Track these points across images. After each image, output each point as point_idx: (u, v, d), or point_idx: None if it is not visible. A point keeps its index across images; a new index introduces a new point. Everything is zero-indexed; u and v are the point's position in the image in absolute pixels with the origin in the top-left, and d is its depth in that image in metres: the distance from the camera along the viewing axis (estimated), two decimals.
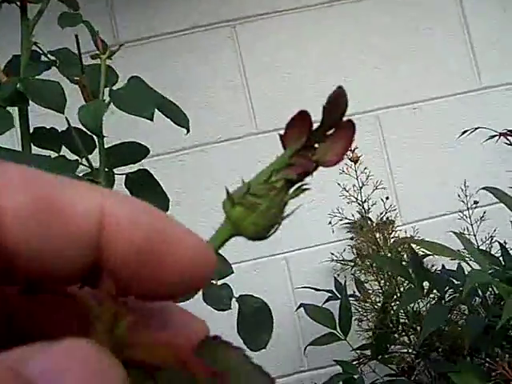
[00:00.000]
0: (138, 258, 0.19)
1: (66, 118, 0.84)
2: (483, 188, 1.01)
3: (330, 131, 0.27)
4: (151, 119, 0.80)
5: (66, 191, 0.19)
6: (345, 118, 0.26)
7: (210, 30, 1.56)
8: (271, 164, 0.27)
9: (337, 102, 0.26)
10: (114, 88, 0.86)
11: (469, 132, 1.15)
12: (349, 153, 1.22)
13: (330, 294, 1.28)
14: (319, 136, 0.26)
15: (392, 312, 1.13)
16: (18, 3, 0.90)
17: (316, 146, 0.27)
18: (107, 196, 0.19)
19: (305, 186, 0.27)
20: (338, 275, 1.34)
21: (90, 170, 0.88)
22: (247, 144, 1.52)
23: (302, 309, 1.24)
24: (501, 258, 1.13)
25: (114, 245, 0.19)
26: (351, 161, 1.22)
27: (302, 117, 0.26)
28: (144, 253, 0.19)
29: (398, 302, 1.13)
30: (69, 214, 0.18)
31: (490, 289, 1.14)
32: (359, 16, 1.58)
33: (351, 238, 1.35)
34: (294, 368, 1.45)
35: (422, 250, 1.14)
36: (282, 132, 0.27)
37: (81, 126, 0.82)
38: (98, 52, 0.87)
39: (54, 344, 0.16)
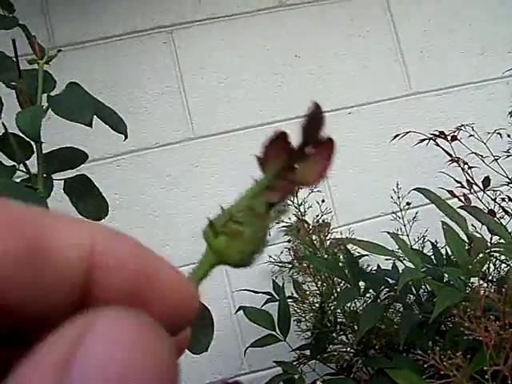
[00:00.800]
0: (126, 301, 0.19)
1: (3, 123, 0.83)
2: (415, 189, 1.05)
3: (309, 149, 0.25)
4: (90, 125, 0.80)
5: (55, 230, 0.18)
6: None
7: (146, 36, 1.56)
8: (251, 188, 0.26)
9: (314, 118, 0.25)
10: (52, 94, 0.85)
11: (400, 136, 1.19)
12: None
13: (268, 297, 1.29)
14: (298, 155, 0.25)
15: (330, 312, 1.16)
16: None
17: (295, 166, 0.25)
18: (97, 233, 0.19)
19: (285, 207, 0.26)
20: (276, 277, 1.36)
21: (27, 176, 0.87)
22: (184, 149, 1.52)
23: (240, 311, 1.25)
24: (432, 257, 1.17)
25: (102, 286, 0.19)
26: None
27: (279, 137, 0.25)
28: (131, 295, 0.19)
29: (335, 302, 1.15)
30: (58, 257, 0.18)
31: (424, 287, 1.18)
32: (292, 22, 1.61)
33: (288, 241, 1.37)
34: (235, 371, 1.46)
35: (357, 250, 1.17)
36: (259, 154, 0.25)
37: (17, 132, 0.81)
38: (35, 57, 0.86)
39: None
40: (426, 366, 0.73)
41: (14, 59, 0.90)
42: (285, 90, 1.58)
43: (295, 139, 0.25)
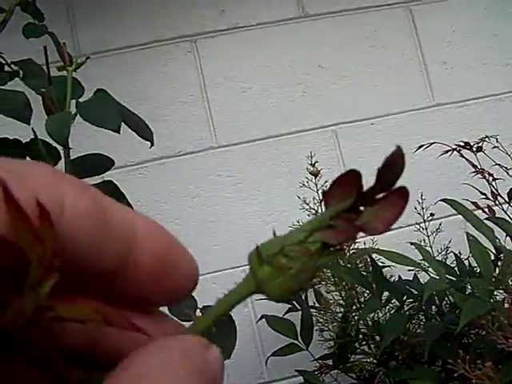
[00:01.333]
0: (156, 267, 0.23)
1: (33, 129, 0.84)
2: (442, 200, 1.04)
3: (380, 195, 0.24)
4: (118, 132, 0.81)
5: (112, 203, 0.22)
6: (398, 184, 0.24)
7: (170, 45, 1.57)
8: (309, 222, 0.24)
9: (394, 164, 0.24)
10: (80, 100, 0.86)
11: (425, 147, 1.19)
12: (309, 166, 1.25)
13: (289, 306, 1.29)
14: (367, 199, 0.24)
15: (353, 322, 1.15)
16: None
17: (361, 209, 0.24)
18: (137, 215, 0.23)
19: (340, 251, 0.25)
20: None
21: None
22: (206, 158, 1.53)
23: (261, 321, 1.25)
24: (456, 268, 1.16)
25: (139, 254, 0.23)
26: (311, 174, 1.25)
27: (351, 176, 0.24)
28: (161, 261, 0.23)
29: (358, 312, 1.15)
30: (115, 223, 0.22)
31: (446, 298, 1.18)
32: (316, 33, 1.62)
33: None
34: (255, 380, 1.46)
35: (380, 260, 1.17)
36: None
37: (44, 137, 0.82)
38: (64, 64, 0.87)
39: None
40: (455, 375, 0.73)
41: (44, 66, 0.92)
42: (308, 100, 1.58)
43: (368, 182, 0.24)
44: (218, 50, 1.58)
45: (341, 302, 1.23)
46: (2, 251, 0.18)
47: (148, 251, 0.23)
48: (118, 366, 0.20)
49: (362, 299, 1.18)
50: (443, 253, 1.30)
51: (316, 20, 1.63)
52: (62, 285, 0.19)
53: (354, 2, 1.65)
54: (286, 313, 1.27)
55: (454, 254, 1.22)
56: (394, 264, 1.25)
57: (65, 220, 0.20)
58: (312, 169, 1.24)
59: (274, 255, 0.24)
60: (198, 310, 0.90)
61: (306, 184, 1.25)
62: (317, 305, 1.29)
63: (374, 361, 1.16)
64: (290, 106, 1.57)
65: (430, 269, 1.00)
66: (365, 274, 1.14)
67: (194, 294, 0.77)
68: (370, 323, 1.16)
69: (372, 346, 1.17)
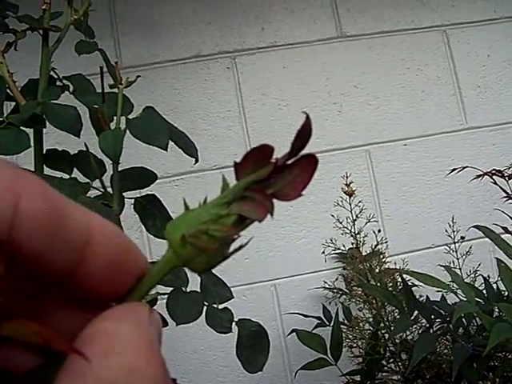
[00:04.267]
0: (108, 268, 0.25)
1: (85, 143, 0.88)
2: (474, 226, 1.07)
3: (289, 162, 0.25)
4: (165, 149, 0.85)
5: (69, 205, 0.23)
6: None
7: (210, 60, 1.61)
8: (224, 195, 0.25)
9: (304, 132, 0.24)
10: (130, 117, 0.90)
11: (457, 170, 1.21)
12: (344, 186, 1.27)
13: (318, 321, 1.31)
14: (278, 169, 0.25)
15: (383, 340, 1.17)
16: (41, 31, 0.94)
17: (273, 179, 0.25)
18: (93, 215, 0.25)
19: (254, 221, 0.25)
20: (330, 303, 1.38)
21: (100, 193, 0.92)
22: None
23: (288, 335, 1.28)
24: (484, 291, 1.18)
25: (94, 254, 0.24)
26: (346, 194, 1.27)
27: (264, 149, 0.25)
28: (113, 265, 0.25)
29: (388, 330, 1.17)
30: (69, 225, 0.23)
31: (473, 321, 1.19)
32: (352, 54, 1.65)
33: (344, 268, 1.40)
34: None
35: (410, 281, 1.19)
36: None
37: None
38: (115, 82, 0.92)
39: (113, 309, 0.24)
40: None
41: (95, 82, 0.96)
42: (342, 119, 1.61)
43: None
44: (257, 67, 1.62)
45: (370, 319, 1.25)
46: None
47: (101, 256, 0.24)
48: (81, 339, 0.22)
49: (391, 317, 1.20)
50: (472, 275, 1.31)
51: (353, 41, 1.66)
52: (21, 285, 0.22)
53: (391, 24, 1.68)
54: (315, 328, 1.29)
55: (483, 277, 1.24)
56: (422, 284, 1.28)
57: (18, 223, 0.21)
58: (347, 189, 1.26)
59: (195, 235, 0.24)
60: (234, 323, 0.93)
61: (340, 203, 1.27)
62: (345, 321, 1.31)
63: (402, 379, 1.18)
64: (324, 125, 1.60)
65: (458, 291, 1.02)
66: (394, 293, 1.16)
67: (227, 305, 0.80)
68: (398, 342, 1.18)
69: (399, 364, 1.19)
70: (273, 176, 0.25)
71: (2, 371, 0.22)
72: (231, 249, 0.26)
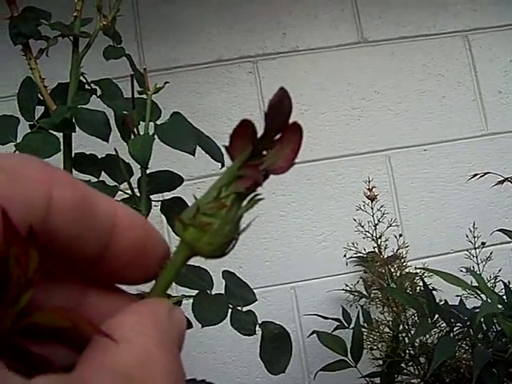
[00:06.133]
0: (134, 251, 0.26)
1: (115, 148, 0.90)
2: (499, 230, 1.07)
3: (277, 137, 0.26)
4: (193, 154, 0.87)
5: (97, 195, 0.25)
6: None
7: (232, 65, 1.63)
8: (220, 179, 0.26)
9: (280, 104, 0.26)
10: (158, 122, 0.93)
11: (478, 176, 1.22)
12: (366, 191, 1.28)
13: (337, 323, 1.33)
14: (265, 143, 0.26)
15: (403, 343, 1.19)
16: (71, 38, 0.96)
17: (264, 154, 0.26)
18: (117, 203, 0.26)
19: (258, 197, 0.27)
20: (350, 306, 1.39)
21: (127, 196, 0.94)
22: None
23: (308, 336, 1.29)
24: (504, 297, 1.19)
25: (118, 240, 0.26)
26: (368, 198, 1.29)
27: (245, 126, 0.26)
28: (138, 247, 0.26)
29: (408, 333, 1.18)
30: (98, 213, 0.25)
31: (493, 326, 1.20)
32: (373, 59, 1.66)
33: (364, 272, 1.41)
34: None
35: (431, 285, 1.20)
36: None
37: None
38: (143, 88, 0.94)
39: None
40: None
41: (122, 89, 0.98)
42: (363, 124, 1.62)
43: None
44: (278, 71, 1.64)
45: (390, 322, 1.26)
46: None
47: (127, 238, 0.26)
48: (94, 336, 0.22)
49: (411, 321, 1.21)
50: (492, 281, 1.32)
51: (374, 46, 1.67)
52: (51, 268, 0.23)
53: (412, 29, 1.68)
54: (335, 330, 1.31)
55: (503, 282, 1.24)
56: (440, 288, 1.29)
57: (52, 212, 0.23)
58: (369, 193, 1.28)
59: (193, 216, 0.26)
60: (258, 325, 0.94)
61: (361, 207, 1.29)
62: (364, 324, 1.32)
63: (421, 382, 1.19)
64: (345, 130, 1.61)
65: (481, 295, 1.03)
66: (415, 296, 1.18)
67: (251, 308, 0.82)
68: (418, 345, 1.19)
69: (418, 367, 1.20)
70: (263, 151, 0.26)
71: (46, 361, 0.23)
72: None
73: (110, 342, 0.21)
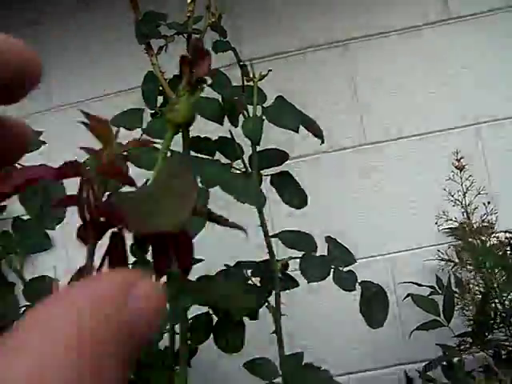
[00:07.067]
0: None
1: (230, 131, 1.03)
2: None
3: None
4: (297, 131, 0.99)
5: None
6: None
7: (324, 49, 1.73)
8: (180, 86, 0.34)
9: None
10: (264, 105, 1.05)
11: None
12: (455, 161, 1.36)
13: (431, 290, 1.41)
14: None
15: (492, 302, 1.25)
16: (185, 35, 1.10)
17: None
18: None
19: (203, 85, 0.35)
20: (442, 270, 1.47)
21: (239, 172, 1.08)
22: (356, 154, 1.68)
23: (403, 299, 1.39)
24: None
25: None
26: (457, 168, 1.37)
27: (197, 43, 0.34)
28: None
29: (496, 295, 1.25)
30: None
31: None
32: (461, 34, 1.70)
33: (456, 239, 1.48)
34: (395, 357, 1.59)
35: None
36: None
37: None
38: (250, 77, 1.07)
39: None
40: None
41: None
42: (451, 99, 1.67)
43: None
44: (368, 53, 1.72)
45: (481, 284, 1.34)
46: None
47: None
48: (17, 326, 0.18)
49: (500, 282, 1.28)
50: None
51: (461, 21, 1.71)
52: None
53: (501, 1, 1.71)
54: (428, 295, 1.39)
55: None
56: None
57: None
58: (457, 163, 1.35)
59: (170, 108, 0.34)
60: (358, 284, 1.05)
61: (451, 178, 1.37)
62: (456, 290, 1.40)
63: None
64: (435, 106, 1.67)
65: None
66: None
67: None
68: (508, 305, 1.26)
69: (510, 327, 1.27)
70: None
71: None
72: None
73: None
